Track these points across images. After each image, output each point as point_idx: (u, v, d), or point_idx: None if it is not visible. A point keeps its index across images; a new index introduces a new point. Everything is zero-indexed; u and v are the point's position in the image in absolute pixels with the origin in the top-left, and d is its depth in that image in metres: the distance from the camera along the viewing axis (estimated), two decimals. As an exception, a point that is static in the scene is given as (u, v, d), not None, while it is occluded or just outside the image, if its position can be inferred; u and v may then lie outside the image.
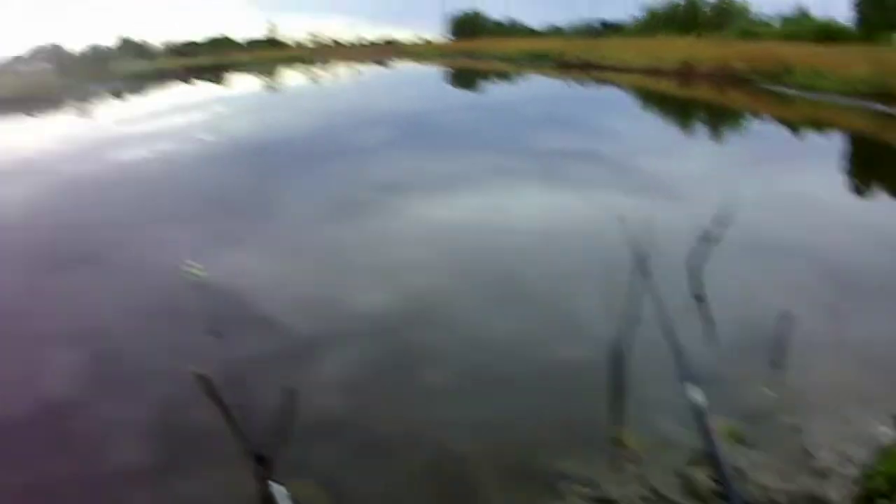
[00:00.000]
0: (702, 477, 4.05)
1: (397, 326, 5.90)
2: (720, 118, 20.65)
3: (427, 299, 6.34)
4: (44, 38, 47.22)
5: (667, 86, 30.31)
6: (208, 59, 53.41)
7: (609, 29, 62.63)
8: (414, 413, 4.80)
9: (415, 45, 77.50)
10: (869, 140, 16.80)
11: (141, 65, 45.55)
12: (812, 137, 17.49)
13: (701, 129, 19.26)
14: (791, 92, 24.72)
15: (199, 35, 67.87)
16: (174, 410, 4.86)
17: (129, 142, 16.67)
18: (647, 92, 29.24)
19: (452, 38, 78.81)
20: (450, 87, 36.73)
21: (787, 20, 46.86)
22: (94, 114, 25.41)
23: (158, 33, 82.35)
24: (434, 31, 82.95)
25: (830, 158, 13.85)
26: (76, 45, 47.93)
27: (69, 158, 15.05)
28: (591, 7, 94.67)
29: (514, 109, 22.07)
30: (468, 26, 78.03)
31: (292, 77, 41.34)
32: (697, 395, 2.48)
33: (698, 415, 2.37)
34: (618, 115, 20.66)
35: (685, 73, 32.18)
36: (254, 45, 72.63)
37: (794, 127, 18.48)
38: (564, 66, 41.82)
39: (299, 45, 77.24)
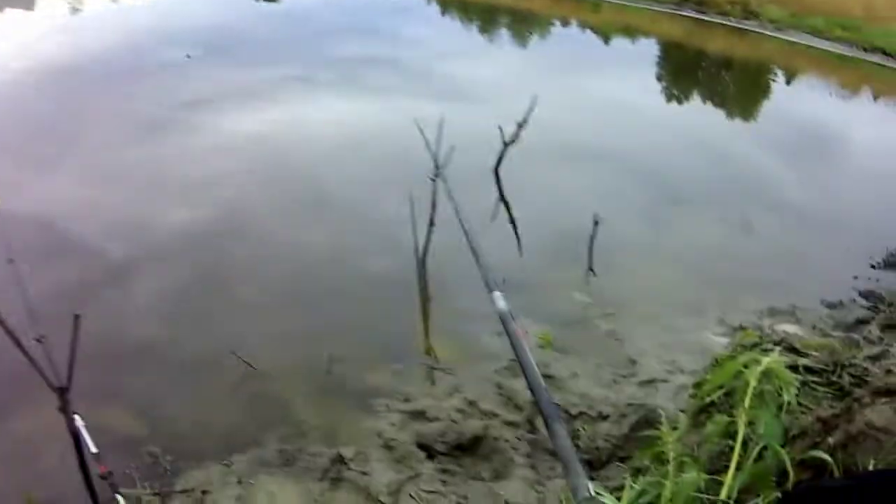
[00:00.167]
0: (518, 386, 3.90)
1: (207, 243, 5.52)
2: (524, 23, 20.51)
3: (235, 214, 5.98)
4: None
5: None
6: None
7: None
8: (224, 331, 4.46)
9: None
10: (680, 45, 17.15)
11: None
12: (622, 43, 17.70)
13: (504, 35, 19.11)
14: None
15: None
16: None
17: None
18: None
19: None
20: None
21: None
22: None
23: None
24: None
25: (640, 64, 14.08)
26: None
27: None
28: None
29: (312, 18, 21.21)
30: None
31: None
32: (502, 302, 2.04)
33: (504, 322, 1.94)
34: (418, 21, 20.17)
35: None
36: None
37: (603, 33, 18.61)
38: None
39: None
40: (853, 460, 1.85)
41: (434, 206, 4.54)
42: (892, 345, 3.93)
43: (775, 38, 16.89)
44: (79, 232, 5.43)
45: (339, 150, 7.31)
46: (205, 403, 3.87)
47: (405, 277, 4.86)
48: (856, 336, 4.21)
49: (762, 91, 12.86)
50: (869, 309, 4.77)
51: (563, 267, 5.32)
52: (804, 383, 2.78)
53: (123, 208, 5.94)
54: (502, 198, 6.18)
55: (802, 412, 2.52)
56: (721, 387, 2.51)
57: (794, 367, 2.91)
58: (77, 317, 2.46)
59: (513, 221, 5.86)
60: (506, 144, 6.10)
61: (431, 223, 4.63)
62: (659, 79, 13.01)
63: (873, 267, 5.43)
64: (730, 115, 10.82)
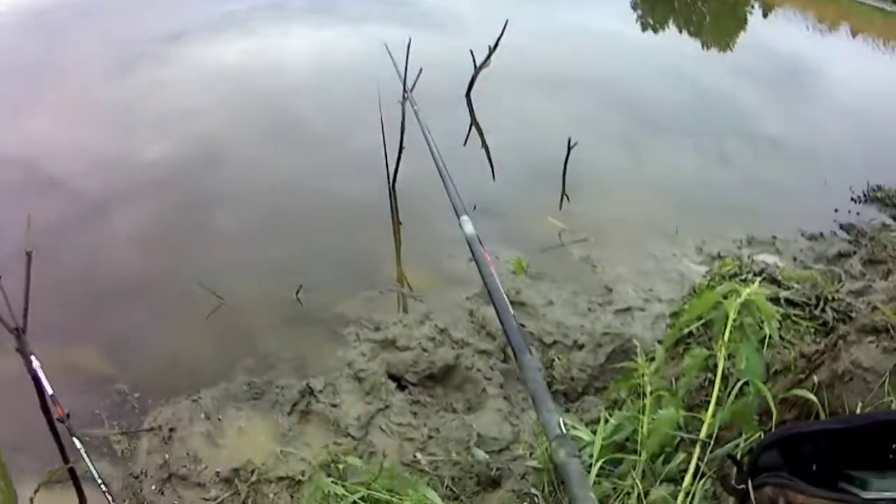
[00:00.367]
0: (491, 313, 3.76)
1: (176, 178, 5.32)
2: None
3: (206, 147, 5.77)
4: None
5: None
6: None
7: None
8: (194, 264, 4.36)
9: None
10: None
11: None
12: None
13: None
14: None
15: None
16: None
17: None
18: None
19: None
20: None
21: None
22: None
23: None
24: None
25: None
26: None
27: None
28: None
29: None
30: None
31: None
32: (469, 227, 1.94)
33: (472, 247, 1.85)
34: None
35: None
36: None
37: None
38: None
39: None
40: (840, 402, 1.80)
41: (403, 129, 4.43)
42: (875, 280, 3.90)
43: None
44: (48, 169, 5.28)
45: (313, 78, 7.11)
46: (173, 338, 3.81)
47: (379, 204, 4.78)
48: (837, 269, 4.18)
49: (739, 22, 12.60)
50: (850, 242, 4.71)
51: (538, 192, 5.19)
52: (786, 316, 2.73)
53: (94, 145, 5.81)
54: (475, 123, 6.08)
55: (785, 347, 2.47)
56: (699, 318, 2.44)
57: (775, 300, 2.86)
58: (29, 254, 2.37)
59: (485, 146, 5.76)
60: (477, 68, 6.04)
61: (401, 147, 4.53)
62: (634, 7, 12.69)
63: (854, 200, 5.36)
64: (706, 45, 10.62)
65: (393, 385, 3.44)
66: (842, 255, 4.50)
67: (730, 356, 2.07)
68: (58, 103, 6.64)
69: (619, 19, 10.83)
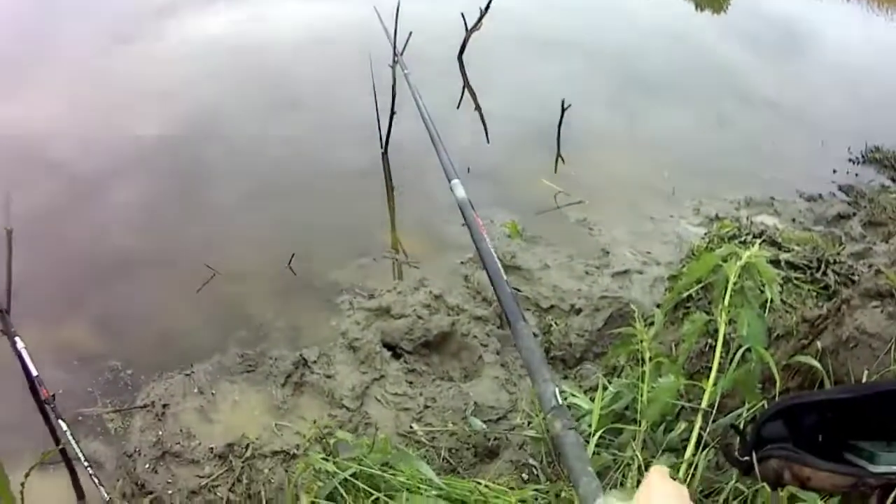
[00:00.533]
0: (486, 278, 3.64)
1: (173, 148, 5.24)
2: None
3: (200, 116, 5.68)
4: None
5: None
6: None
7: None
8: (188, 235, 4.32)
9: None
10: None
11: None
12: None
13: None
14: None
15: None
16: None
17: None
18: None
19: None
20: None
21: None
22: None
23: None
24: None
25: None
26: None
27: None
28: None
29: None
30: None
31: None
32: (461, 190, 1.89)
33: (463, 211, 1.80)
34: None
35: None
36: None
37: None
38: None
39: None
40: (844, 369, 1.75)
41: (394, 93, 4.35)
42: (875, 242, 3.83)
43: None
44: (35, 144, 5.20)
45: (304, 45, 6.99)
46: (165, 312, 3.75)
47: (373, 170, 4.72)
48: (837, 231, 4.11)
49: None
50: (849, 204, 4.65)
51: (532, 155, 5.12)
52: (787, 280, 2.67)
53: (83, 119, 5.72)
54: (467, 85, 6.00)
55: (787, 311, 2.41)
56: (699, 281, 2.38)
57: (775, 262, 2.80)
58: (9, 232, 2.32)
59: (479, 109, 5.68)
60: (469, 31, 5.98)
61: (392, 111, 4.46)
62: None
63: (852, 161, 5.29)
64: (699, 6, 10.47)
65: (388, 354, 3.40)
66: (841, 217, 4.44)
67: (730, 321, 2.02)
68: (46, 78, 6.57)
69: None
